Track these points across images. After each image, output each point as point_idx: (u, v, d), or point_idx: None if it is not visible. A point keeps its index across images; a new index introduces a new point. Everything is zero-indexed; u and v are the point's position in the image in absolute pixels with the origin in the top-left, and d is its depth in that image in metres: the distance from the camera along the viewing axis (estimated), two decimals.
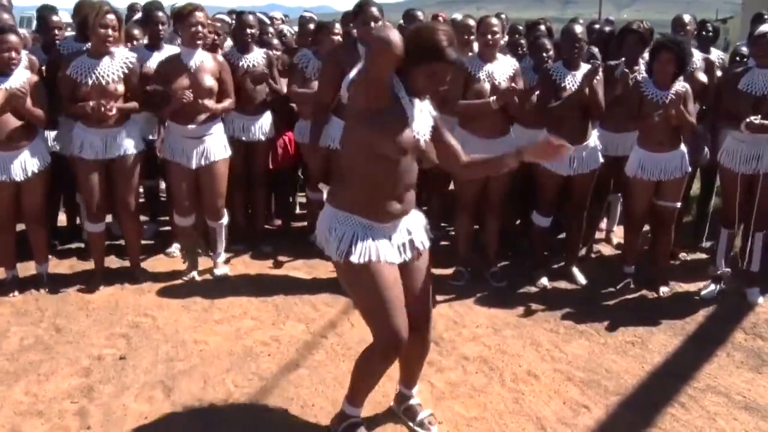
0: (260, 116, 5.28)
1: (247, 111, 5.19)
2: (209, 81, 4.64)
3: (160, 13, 5.22)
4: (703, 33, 5.76)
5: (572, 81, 4.66)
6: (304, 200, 6.19)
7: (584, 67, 4.70)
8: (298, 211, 6.51)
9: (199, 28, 4.56)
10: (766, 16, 5.72)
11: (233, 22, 6.02)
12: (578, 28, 4.77)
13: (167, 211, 5.68)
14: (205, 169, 4.77)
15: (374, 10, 4.46)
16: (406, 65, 2.60)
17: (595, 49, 5.51)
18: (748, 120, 4.31)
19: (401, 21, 6.16)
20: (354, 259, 2.75)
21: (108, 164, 4.62)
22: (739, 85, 4.52)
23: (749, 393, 3.60)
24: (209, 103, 4.62)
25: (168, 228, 5.66)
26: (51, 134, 5.00)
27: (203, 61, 4.65)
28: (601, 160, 4.85)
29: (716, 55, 5.81)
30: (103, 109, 4.35)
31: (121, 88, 4.51)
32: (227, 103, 4.79)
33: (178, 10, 4.74)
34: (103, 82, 4.44)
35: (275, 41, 5.83)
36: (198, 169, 4.76)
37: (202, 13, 4.57)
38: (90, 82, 4.42)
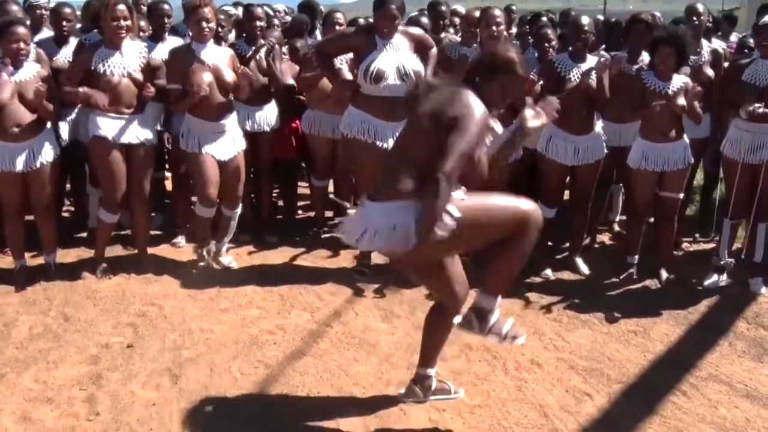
0: (265, 106, 5.30)
1: (252, 101, 5.20)
2: (230, 75, 4.66)
3: (166, 6, 5.26)
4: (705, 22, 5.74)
5: (578, 73, 4.67)
6: (307, 191, 6.22)
7: (590, 59, 4.71)
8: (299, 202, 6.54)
9: (204, 24, 4.55)
10: None
11: (237, 14, 6.06)
12: (585, 20, 4.78)
13: (172, 203, 5.74)
14: (230, 160, 4.81)
15: (393, 8, 4.45)
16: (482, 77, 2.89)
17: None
18: (750, 108, 4.32)
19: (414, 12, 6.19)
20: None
21: (126, 152, 4.64)
22: (744, 75, 4.54)
23: (751, 382, 3.63)
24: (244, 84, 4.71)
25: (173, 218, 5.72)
26: (64, 125, 5.03)
27: (218, 55, 4.68)
28: (605, 150, 4.87)
29: (717, 45, 5.80)
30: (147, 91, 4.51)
31: (140, 77, 4.56)
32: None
33: (187, 3, 4.74)
34: (130, 72, 4.50)
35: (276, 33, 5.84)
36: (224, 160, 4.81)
37: (209, 7, 4.57)
38: (118, 72, 4.47)
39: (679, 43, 4.40)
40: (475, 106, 2.77)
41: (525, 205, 2.95)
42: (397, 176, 2.83)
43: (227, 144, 4.79)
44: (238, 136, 4.87)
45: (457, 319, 3.15)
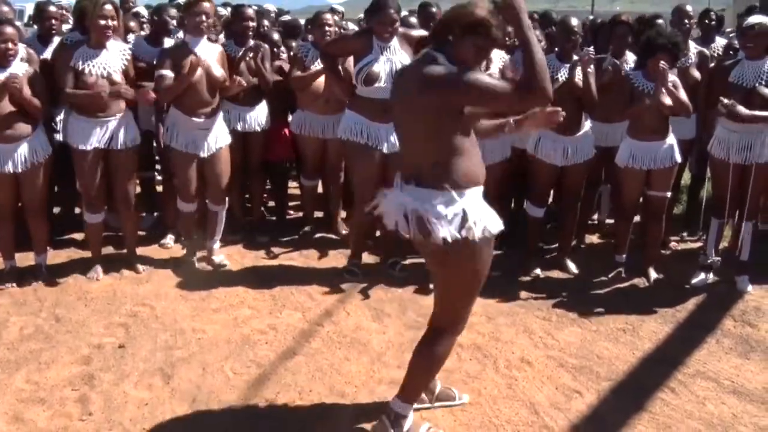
0: (256, 106, 5.32)
1: (243, 101, 5.22)
2: (218, 71, 4.69)
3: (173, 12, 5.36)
4: (706, 21, 5.79)
5: (566, 73, 4.71)
6: (297, 191, 6.24)
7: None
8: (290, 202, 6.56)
9: (203, 17, 4.58)
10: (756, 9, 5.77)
11: (226, 14, 6.07)
12: (574, 21, 4.82)
13: (161, 203, 5.74)
14: (213, 156, 4.84)
15: (392, 12, 4.47)
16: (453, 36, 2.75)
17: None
18: (726, 102, 4.36)
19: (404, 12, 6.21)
20: (478, 233, 2.74)
21: (106, 155, 4.65)
22: (730, 77, 4.59)
23: (737, 378, 3.67)
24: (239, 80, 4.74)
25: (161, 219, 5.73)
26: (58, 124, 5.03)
27: (210, 50, 4.70)
28: (594, 150, 4.91)
29: (720, 44, 5.84)
30: (122, 92, 4.47)
31: (122, 79, 4.56)
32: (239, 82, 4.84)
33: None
34: (110, 72, 4.49)
35: (276, 36, 5.85)
36: (205, 156, 4.83)
37: (209, 3, 4.60)
38: (95, 72, 4.46)
39: (677, 52, 4.46)
40: (447, 69, 2.68)
41: (465, 318, 3.00)
42: (419, 163, 2.78)
43: (210, 140, 4.80)
44: (222, 133, 4.88)
45: (369, 426, 3.14)
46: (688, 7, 5.48)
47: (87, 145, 4.54)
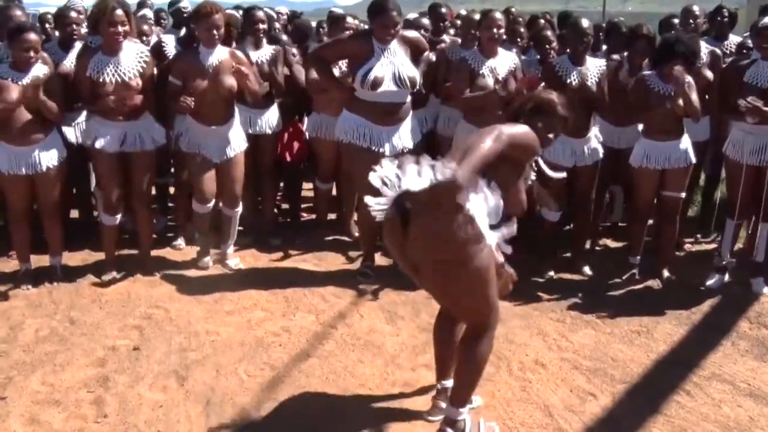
0: (267, 109, 5.33)
1: (254, 104, 5.23)
2: (229, 81, 4.68)
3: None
4: (719, 19, 5.75)
5: (578, 76, 4.69)
6: (310, 193, 6.24)
7: (589, 62, 4.74)
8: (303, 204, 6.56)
9: (214, 31, 4.58)
10: None
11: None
12: (585, 23, 4.80)
13: (175, 207, 5.76)
14: (228, 161, 4.86)
15: (394, 14, 4.45)
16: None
17: None
18: (746, 100, 4.33)
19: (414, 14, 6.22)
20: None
21: (125, 157, 4.67)
22: (745, 77, 4.56)
23: (754, 381, 3.65)
24: (252, 83, 4.75)
25: (173, 223, 5.78)
26: (70, 129, 5.04)
27: (221, 60, 4.69)
28: (602, 152, 4.88)
29: (733, 41, 5.79)
30: (126, 101, 4.46)
31: (140, 82, 4.56)
32: (256, 87, 4.86)
33: (196, 9, 4.75)
34: (126, 78, 4.50)
35: (284, 37, 5.87)
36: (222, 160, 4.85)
37: (220, 14, 4.60)
38: (109, 78, 4.47)
39: (694, 58, 4.44)
40: None
41: (496, 306, 3.00)
42: None
43: (224, 145, 4.83)
44: (238, 138, 4.90)
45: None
46: (695, 8, 5.44)
47: (106, 147, 4.55)
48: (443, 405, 3.20)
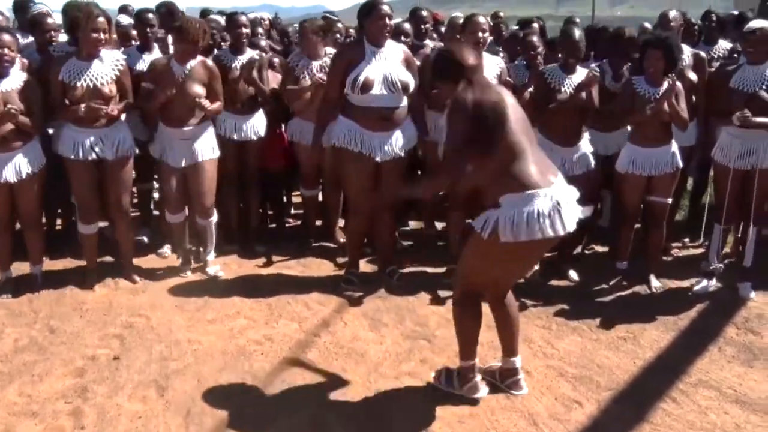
0: (252, 115, 5.28)
1: (239, 110, 5.20)
2: (197, 89, 4.65)
3: (150, 15, 5.30)
4: (707, 23, 5.73)
5: (569, 85, 4.65)
6: (298, 199, 6.20)
7: (580, 71, 4.69)
8: (293, 210, 6.52)
9: (191, 46, 4.57)
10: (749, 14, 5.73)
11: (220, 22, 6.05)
12: (577, 33, 4.76)
13: (159, 214, 5.70)
14: (193, 169, 4.81)
15: (386, 8, 4.44)
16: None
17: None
18: (739, 114, 4.32)
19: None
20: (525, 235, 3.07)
21: (100, 165, 4.62)
22: (731, 82, 4.54)
23: (740, 387, 3.62)
24: (204, 102, 4.65)
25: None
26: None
27: (192, 69, 4.66)
28: (593, 161, 4.85)
29: (723, 46, 5.79)
30: (102, 111, 4.41)
31: (113, 89, 4.52)
32: (216, 105, 4.80)
33: (177, 25, 4.70)
34: (98, 84, 4.45)
35: (263, 42, 5.84)
36: (186, 168, 4.80)
37: (197, 29, 4.55)
38: (83, 85, 4.43)
39: (666, 46, 4.41)
40: None
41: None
42: None
43: (189, 151, 4.77)
44: (206, 146, 4.83)
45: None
46: (671, 13, 5.45)
47: (79, 155, 4.51)
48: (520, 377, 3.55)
